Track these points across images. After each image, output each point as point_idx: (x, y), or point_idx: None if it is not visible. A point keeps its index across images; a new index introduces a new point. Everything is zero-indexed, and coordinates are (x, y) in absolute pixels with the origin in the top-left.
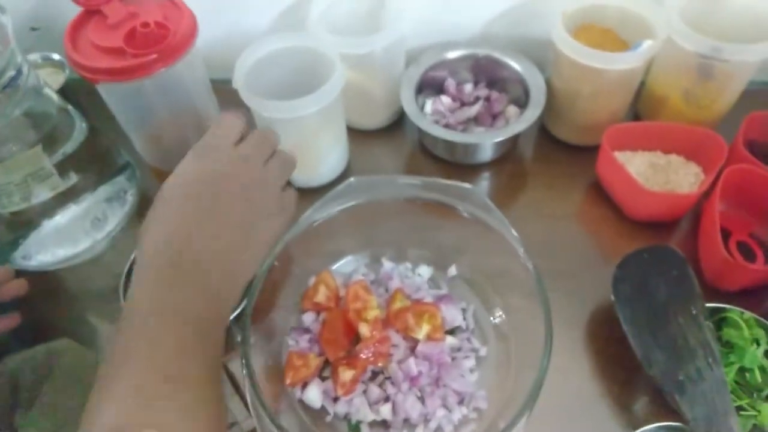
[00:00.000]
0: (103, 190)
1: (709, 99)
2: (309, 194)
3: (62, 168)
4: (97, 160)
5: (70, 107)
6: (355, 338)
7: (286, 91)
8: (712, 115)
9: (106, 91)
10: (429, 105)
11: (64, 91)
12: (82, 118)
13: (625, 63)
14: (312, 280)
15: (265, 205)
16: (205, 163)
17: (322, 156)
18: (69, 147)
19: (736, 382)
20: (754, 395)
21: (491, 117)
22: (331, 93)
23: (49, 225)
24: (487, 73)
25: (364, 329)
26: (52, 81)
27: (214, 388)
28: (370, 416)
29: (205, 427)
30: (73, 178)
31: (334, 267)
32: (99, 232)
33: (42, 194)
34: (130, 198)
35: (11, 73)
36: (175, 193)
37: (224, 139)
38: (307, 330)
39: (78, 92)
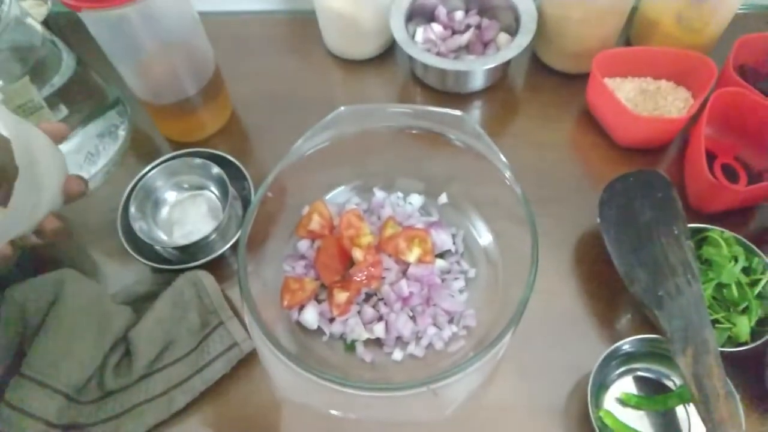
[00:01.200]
0: (95, 126)
1: (702, 22)
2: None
3: (52, 101)
4: (87, 94)
5: (56, 39)
6: (349, 263)
7: None
8: (704, 39)
9: (91, 21)
10: (420, 33)
11: (48, 25)
12: (69, 52)
13: None
14: (305, 210)
15: None
16: None
17: None
18: (57, 80)
19: (714, 298)
20: (731, 309)
21: (482, 45)
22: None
23: None
24: (479, 0)
25: (357, 254)
26: (34, 14)
27: None
28: (365, 335)
29: None
30: (64, 111)
31: (327, 197)
32: (93, 167)
33: None
34: (122, 133)
35: None
36: None
37: None
38: (302, 256)
39: (63, 26)
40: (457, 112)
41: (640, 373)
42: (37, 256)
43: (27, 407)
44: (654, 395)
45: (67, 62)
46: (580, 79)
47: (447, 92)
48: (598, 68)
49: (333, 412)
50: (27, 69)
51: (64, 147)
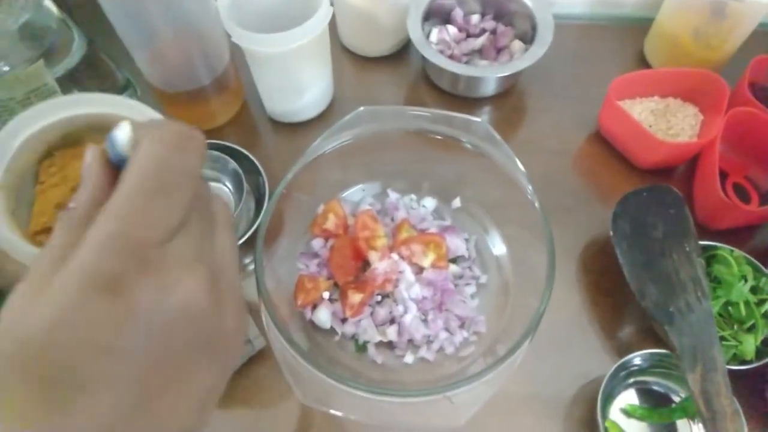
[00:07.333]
0: None
1: (719, 39)
2: (293, 128)
3: (64, 84)
4: (98, 76)
5: (67, 19)
6: (363, 264)
7: (274, 21)
8: (719, 55)
9: (109, 6)
10: (435, 34)
11: (58, 3)
12: (80, 32)
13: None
14: (321, 208)
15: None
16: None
17: (306, 90)
18: (69, 62)
19: (721, 315)
20: (736, 327)
21: (496, 50)
22: (316, 27)
23: None
24: (496, 5)
25: (374, 257)
26: None
27: None
28: (377, 337)
29: None
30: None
31: (342, 196)
32: None
33: None
34: None
35: None
36: None
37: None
38: (316, 255)
39: (73, 5)
40: (477, 119)
41: (645, 386)
42: None
43: None
44: (658, 408)
45: (78, 43)
46: None
47: (458, 95)
48: (613, 94)
49: (345, 414)
50: (41, 51)
51: None
